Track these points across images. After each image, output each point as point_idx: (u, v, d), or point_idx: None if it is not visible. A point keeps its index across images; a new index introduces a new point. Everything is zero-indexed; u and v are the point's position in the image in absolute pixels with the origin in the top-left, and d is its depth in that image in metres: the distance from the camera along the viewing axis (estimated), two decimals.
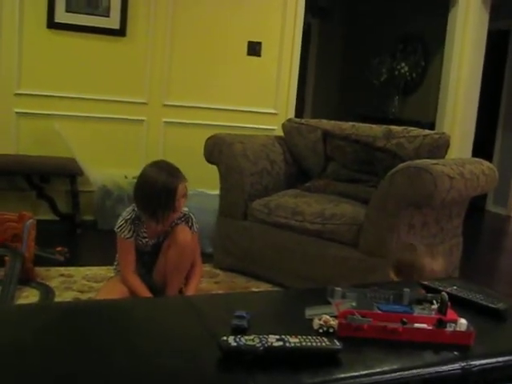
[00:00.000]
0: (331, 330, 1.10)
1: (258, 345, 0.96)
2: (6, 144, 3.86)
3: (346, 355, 1.00)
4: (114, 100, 4.08)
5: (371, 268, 2.58)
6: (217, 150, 3.15)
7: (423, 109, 6.15)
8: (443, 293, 1.18)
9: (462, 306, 1.25)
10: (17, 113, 3.87)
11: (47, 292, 2.56)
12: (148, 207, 2.24)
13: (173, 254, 2.30)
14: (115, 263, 2.45)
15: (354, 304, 1.17)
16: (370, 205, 2.63)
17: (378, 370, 1.00)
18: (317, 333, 1.09)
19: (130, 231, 2.29)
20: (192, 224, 2.38)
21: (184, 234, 2.31)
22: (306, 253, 2.83)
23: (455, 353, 1.07)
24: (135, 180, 2.38)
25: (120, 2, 3.98)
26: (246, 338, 0.97)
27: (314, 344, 0.99)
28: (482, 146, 5.65)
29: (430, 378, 1.01)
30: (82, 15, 3.91)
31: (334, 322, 1.11)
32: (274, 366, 0.96)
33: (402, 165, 2.56)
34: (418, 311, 1.16)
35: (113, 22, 4.00)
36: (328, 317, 1.12)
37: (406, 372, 1.01)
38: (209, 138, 3.21)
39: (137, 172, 3.47)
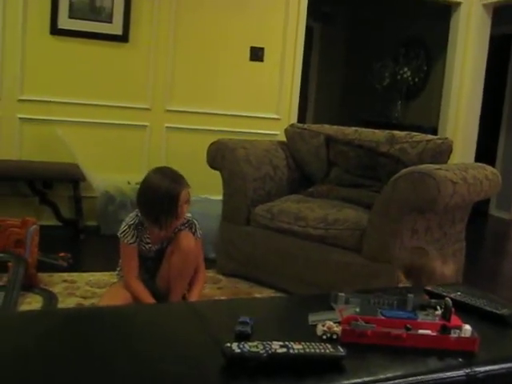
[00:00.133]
0: (335, 337, 1.10)
1: (261, 351, 0.96)
2: (10, 149, 3.87)
3: (349, 362, 1.00)
4: (116, 106, 4.09)
5: (374, 273, 2.58)
6: (220, 155, 3.15)
7: (426, 113, 6.16)
8: (447, 298, 1.18)
9: (465, 311, 1.25)
10: (20, 118, 3.88)
11: (50, 298, 2.56)
12: (151, 213, 2.24)
13: (176, 260, 2.29)
14: (118, 269, 2.45)
15: (357, 310, 1.17)
16: (373, 210, 2.63)
17: (382, 376, 1.00)
18: (320, 339, 1.09)
19: (133, 237, 2.29)
20: (195, 230, 2.38)
21: (187, 240, 2.31)
22: (309, 258, 2.83)
23: (460, 359, 1.07)
24: (138, 185, 2.38)
25: (123, 8, 3.99)
26: (250, 344, 0.97)
27: (318, 351, 0.98)
28: (485, 151, 5.64)
29: None
30: (85, 21, 3.93)
31: (337, 329, 1.11)
32: (278, 373, 0.96)
33: (405, 170, 2.55)
34: (421, 317, 1.16)
35: (116, 27, 4.01)
36: (331, 323, 1.12)
37: (411, 378, 1.00)
38: (212, 144, 3.21)
39: (139, 177, 3.47)
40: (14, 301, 2.38)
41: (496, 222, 5.93)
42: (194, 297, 2.36)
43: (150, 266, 2.38)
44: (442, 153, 2.95)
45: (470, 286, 1.61)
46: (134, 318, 1.24)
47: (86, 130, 4.02)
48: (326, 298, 1.27)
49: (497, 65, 5.83)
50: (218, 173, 3.21)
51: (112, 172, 4.01)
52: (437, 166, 2.55)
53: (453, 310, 1.14)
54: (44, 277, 2.80)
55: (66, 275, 2.89)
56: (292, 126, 3.66)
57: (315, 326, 1.14)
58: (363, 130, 3.35)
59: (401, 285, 1.96)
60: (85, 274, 2.93)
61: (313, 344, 0.99)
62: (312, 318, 1.19)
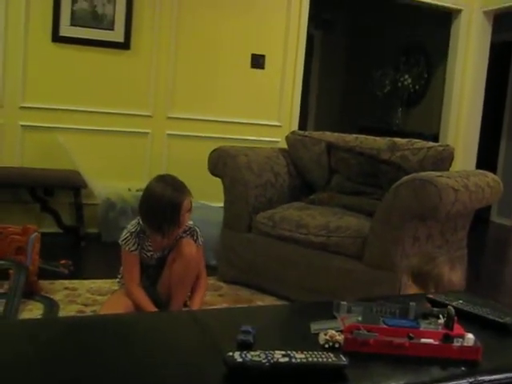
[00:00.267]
0: (337, 345, 1.09)
1: (263, 361, 0.95)
2: (11, 157, 3.87)
3: (352, 371, 0.99)
4: (118, 113, 4.10)
5: (376, 280, 2.57)
6: (221, 162, 3.16)
7: (426, 120, 6.16)
8: (449, 307, 1.17)
9: (468, 320, 1.24)
10: (22, 126, 3.89)
11: (51, 305, 2.55)
12: (153, 222, 2.24)
13: (178, 267, 2.29)
14: (119, 276, 2.45)
15: (359, 318, 1.16)
16: (375, 217, 2.62)
17: None
18: (323, 348, 1.08)
19: (134, 244, 2.29)
20: (197, 237, 2.38)
21: (189, 248, 2.31)
22: (311, 265, 2.82)
23: (463, 368, 1.06)
24: (139, 193, 2.39)
25: (124, 16, 4.01)
26: (252, 353, 0.96)
27: (320, 360, 0.98)
28: (486, 157, 5.64)
29: None
30: (86, 29, 3.95)
31: (339, 337, 1.10)
32: (280, 382, 0.95)
33: (406, 177, 2.55)
34: (424, 326, 1.15)
35: (117, 35, 4.03)
36: (334, 332, 1.11)
37: None
38: (213, 151, 3.21)
39: (140, 184, 3.49)
40: (15, 308, 2.38)
41: (497, 229, 5.92)
42: (195, 304, 2.36)
43: (152, 273, 2.38)
44: (444, 160, 2.95)
45: (473, 294, 1.60)
46: (135, 326, 1.23)
47: (87, 137, 4.03)
48: (328, 307, 1.26)
49: (497, 72, 5.84)
50: (218, 180, 3.21)
51: (113, 179, 4.02)
52: (438, 174, 2.55)
53: (455, 318, 1.14)
54: (45, 284, 2.80)
55: (67, 282, 2.89)
56: (293, 133, 3.66)
57: (317, 334, 1.13)
58: (364, 137, 3.36)
59: (407, 291, 1.95)
60: (86, 282, 2.93)
61: (315, 353, 0.99)
62: (314, 327, 1.18)
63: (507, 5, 4.96)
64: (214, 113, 4.37)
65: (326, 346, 1.09)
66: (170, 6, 4.14)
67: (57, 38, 3.89)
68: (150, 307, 2.26)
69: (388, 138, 3.25)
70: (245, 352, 0.97)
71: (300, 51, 4.56)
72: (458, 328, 1.13)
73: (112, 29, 4.01)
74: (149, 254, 2.35)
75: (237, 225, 3.13)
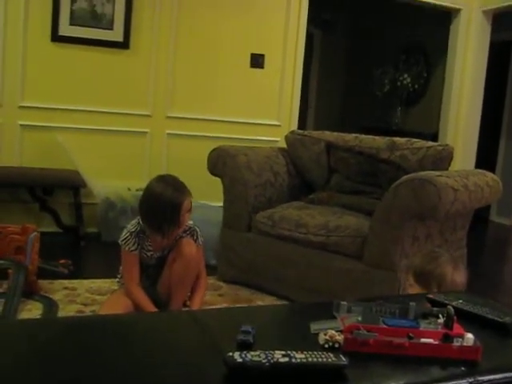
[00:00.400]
0: (337, 345, 1.09)
1: (263, 361, 0.95)
2: (10, 156, 3.87)
3: (352, 371, 0.99)
4: (117, 112, 4.10)
5: (375, 280, 2.57)
6: (221, 162, 3.16)
7: (426, 120, 6.17)
8: (449, 307, 1.17)
9: (468, 319, 1.24)
10: (21, 125, 3.89)
11: (51, 305, 2.55)
12: (153, 222, 2.24)
13: (178, 267, 2.29)
14: (119, 276, 2.45)
15: (359, 318, 1.16)
16: (374, 217, 2.62)
17: None
18: (322, 348, 1.09)
19: (134, 244, 2.29)
20: (197, 237, 2.38)
21: (189, 247, 2.31)
22: (310, 265, 2.83)
23: (462, 368, 1.06)
24: (138, 192, 2.39)
25: (123, 15, 4.01)
26: (252, 353, 0.96)
27: (320, 360, 0.98)
28: (485, 157, 5.65)
29: None
30: (85, 28, 3.94)
31: (339, 337, 1.10)
32: (280, 382, 0.95)
33: (406, 177, 2.55)
34: (424, 325, 1.15)
35: (116, 34, 4.02)
36: (333, 332, 1.11)
37: None
38: (213, 150, 3.21)
39: (140, 184, 3.49)
40: (15, 308, 2.38)
41: (497, 228, 5.93)
42: (195, 304, 2.36)
43: (151, 273, 2.38)
44: (443, 159, 2.95)
45: (472, 294, 1.60)
46: (135, 326, 1.23)
47: (86, 136, 4.03)
48: (328, 306, 1.26)
49: (497, 71, 5.84)
50: (218, 179, 3.21)
51: (112, 178, 4.02)
52: (438, 173, 2.55)
53: (455, 318, 1.14)
54: (44, 284, 2.79)
55: (66, 282, 2.88)
56: (292, 132, 3.66)
57: (317, 334, 1.13)
58: (364, 136, 3.36)
59: (409, 291, 1.95)
60: (85, 281, 2.93)
61: (315, 353, 0.99)
62: (314, 327, 1.18)
63: (506, 4, 4.96)
64: (214, 112, 4.37)
65: (326, 345, 1.09)
66: (169, 5, 4.14)
67: (56, 37, 3.89)
68: (150, 307, 2.26)
69: (387, 138, 3.25)
70: (245, 352, 0.97)
71: (299, 51, 4.56)
72: (457, 328, 1.14)
73: (111, 28, 4.01)
74: (149, 253, 2.35)
75: (236, 224, 3.13)
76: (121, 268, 2.39)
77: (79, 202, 3.78)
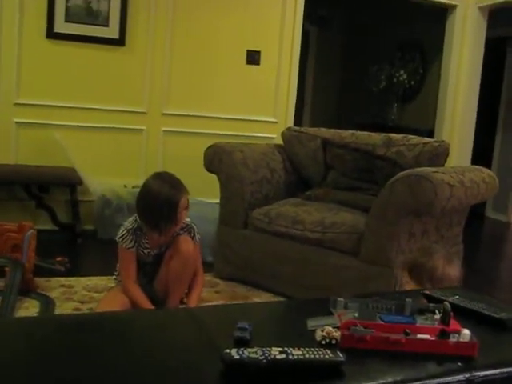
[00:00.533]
0: (334, 342, 1.09)
1: (260, 357, 0.95)
2: (6, 154, 3.86)
3: (349, 367, 1.00)
4: (113, 109, 4.09)
5: (372, 276, 2.58)
6: (217, 158, 3.15)
7: (422, 116, 6.17)
8: (445, 303, 1.18)
9: (464, 315, 1.25)
10: (16, 123, 3.88)
11: (47, 303, 2.55)
12: (150, 219, 2.24)
13: (175, 265, 2.29)
14: (115, 273, 2.44)
15: (356, 315, 1.16)
16: (370, 213, 2.63)
17: (382, 381, 1.00)
18: (319, 344, 1.09)
19: (131, 241, 2.29)
20: (194, 234, 2.38)
21: (187, 245, 2.31)
22: (307, 262, 2.83)
23: (459, 364, 1.06)
24: (135, 189, 2.39)
25: (119, 12, 4.00)
26: (249, 350, 0.96)
27: (317, 356, 0.98)
28: (481, 153, 5.66)
29: None
30: (81, 25, 3.93)
31: (336, 334, 1.10)
32: (277, 379, 0.96)
33: (402, 173, 2.56)
34: (420, 321, 1.16)
35: (112, 31, 4.01)
36: (330, 328, 1.12)
37: None
38: (209, 147, 3.21)
39: (136, 181, 3.48)
40: (11, 306, 2.38)
41: (492, 225, 5.94)
42: (193, 301, 2.36)
43: (149, 270, 2.38)
44: (439, 156, 2.96)
45: (468, 290, 1.61)
46: (132, 323, 1.23)
47: (82, 133, 4.02)
48: (325, 303, 1.26)
49: (492, 67, 5.84)
50: (214, 176, 3.21)
51: (109, 176, 4.01)
52: (434, 169, 2.55)
53: (451, 314, 1.14)
54: (41, 281, 2.79)
55: (63, 280, 2.88)
56: (289, 129, 3.66)
57: (314, 331, 1.14)
58: (360, 133, 3.36)
59: (405, 287, 1.96)
60: (82, 279, 2.92)
61: (312, 349, 0.99)
62: (311, 323, 1.19)
63: (502, 0, 4.96)
64: (210, 109, 4.37)
65: (323, 342, 1.10)
66: (165, 1, 4.13)
67: (51, 34, 3.87)
68: (147, 304, 2.26)
69: (383, 134, 3.25)
70: (242, 349, 0.97)
71: (295, 47, 4.56)
72: (454, 324, 1.14)
73: (107, 25, 4.00)
74: (146, 251, 2.35)
75: (233, 221, 3.13)
76: (118, 265, 2.39)
77: (75, 200, 3.77)
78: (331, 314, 1.23)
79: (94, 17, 3.96)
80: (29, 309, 2.48)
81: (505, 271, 4.20)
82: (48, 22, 3.85)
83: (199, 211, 3.30)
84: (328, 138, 3.35)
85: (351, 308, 1.21)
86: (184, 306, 2.38)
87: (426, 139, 3.09)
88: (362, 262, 2.64)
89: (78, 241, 3.70)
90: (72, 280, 2.89)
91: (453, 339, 1.10)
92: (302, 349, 0.99)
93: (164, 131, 4.26)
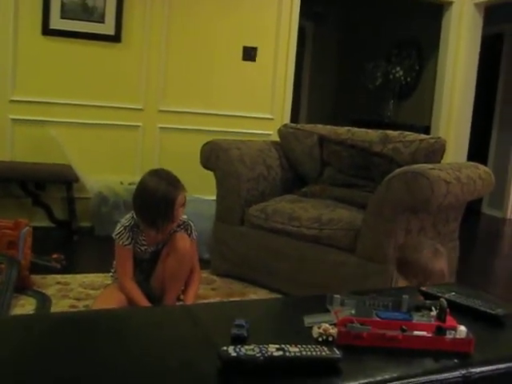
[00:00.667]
0: (330, 339, 1.10)
1: (257, 354, 0.95)
2: (2, 151, 3.86)
3: (345, 364, 1.00)
4: (109, 106, 4.08)
5: (369, 273, 2.58)
6: (213, 155, 3.15)
7: (418, 113, 6.18)
8: (442, 299, 1.18)
9: (460, 312, 1.25)
10: (12, 119, 3.87)
11: (44, 300, 2.55)
12: (147, 216, 2.24)
13: (172, 262, 2.29)
14: (112, 270, 2.44)
15: (352, 311, 1.16)
16: (367, 210, 2.63)
17: (379, 378, 1.00)
18: (316, 341, 1.09)
19: (128, 238, 2.28)
20: (191, 231, 2.38)
21: (183, 242, 2.31)
22: (303, 258, 2.83)
23: (455, 360, 1.07)
24: (131, 186, 2.39)
25: (115, 8, 3.98)
26: (246, 347, 0.96)
27: (314, 353, 0.98)
28: (477, 149, 5.67)
29: None
30: (77, 21, 3.92)
31: (333, 331, 1.10)
32: (275, 376, 0.96)
33: (398, 170, 2.56)
34: (417, 318, 1.16)
35: (108, 27, 4.00)
36: (327, 325, 1.12)
37: (407, 380, 1.00)
38: (205, 144, 3.21)
39: (133, 178, 3.48)
40: (7, 303, 2.37)
41: (488, 221, 5.96)
42: (189, 298, 2.36)
43: (145, 267, 2.38)
44: (435, 152, 2.96)
45: (465, 286, 1.61)
46: (128, 321, 1.23)
47: (78, 130, 4.01)
48: (322, 300, 1.26)
49: (489, 64, 5.85)
50: (211, 173, 3.21)
51: (105, 173, 4.00)
52: (430, 166, 2.55)
53: (448, 310, 1.15)
54: (37, 279, 2.79)
55: (59, 277, 2.88)
56: (285, 126, 3.66)
57: (311, 328, 1.14)
58: (356, 129, 3.36)
59: (399, 283, 1.96)
60: (78, 276, 2.92)
61: (309, 346, 0.99)
62: (308, 320, 1.19)
63: None
64: (206, 106, 4.36)
65: (320, 339, 1.10)
66: None
67: (47, 30, 3.86)
68: (143, 302, 2.26)
69: (380, 131, 3.26)
70: (239, 346, 0.97)
71: (292, 43, 4.55)
72: (450, 320, 1.14)
73: (103, 21, 3.98)
74: (142, 248, 2.34)
75: (229, 218, 3.13)
76: (114, 262, 2.39)
77: (72, 197, 3.76)
78: (328, 310, 1.23)
79: (89, 13, 3.95)
80: (25, 306, 2.48)
81: (500, 267, 4.21)
82: (43, 19, 3.84)
83: (196, 208, 3.30)
84: (324, 135, 3.35)
85: (348, 305, 1.21)
86: (181, 302, 2.38)
87: (423, 136, 3.09)
88: (359, 259, 2.64)
89: (74, 238, 3.70)
90: (68, 277, 2.89)
91: (449, 336, 1.10)
92: (299, 346, 0.99)
93: (160, 128, 4.25)
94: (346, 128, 3.41)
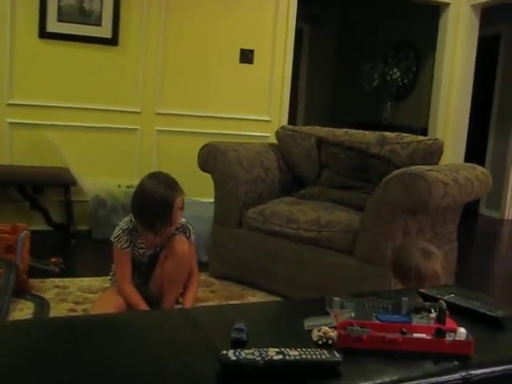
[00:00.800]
0: (330, 342, 1.10)
1: (257, 358, 0.95)
2: None
3: (346, 367, 1.00)
4: (106, 109, 4.08)
5: (367, 275, 2.58)
6: (211, 158, 3.15)
7: (415, 114, 6.18)
8: (441, 301, 1.18)
9: (459, 314, 1.25)
10: (9, 123, 3.86)
11: (42, 304, 2.54)
12: (145, 219, 2.23)
13: (170, 265, 2.29)
14: (111, 273, 2.44)
15: (352, 314, 1.16)
16: (365, 212, 2.63)
17: (379, 381, 1.00)
18: (316, 344, 1.09)
19: (126, 241, 2.28)
20: (189, 234, 2.38)
21: (182, 245, 2.31)
22: (302, 260, 2.83)
23: (455, 362, 1.07)
24: (129, 189, 2.38)
25: (112, 11, 3.98)
26: (246, 351, 0.96)
27: (314, 356, 0.98)
28: (475, 151, 5.68)
29: None
30: (73, 24, 3.91)
31: (333, 334, 1.10)
32: (275, 380, 0.96)
33: (396, 171, 2.56)
34: (416, 320, 1.16)
35: (105, 31, 4.00)
36: (327, 328, 1.12)
37: (407, 383, 1.01)
38: (203, 147, 3.20)
39: (130, 181, 3.47)
40: (6, 307, 2.37)
41: (486, 222, 5.97)
42: (188, 301, 2.36)
43: (144, 270, 2.38)
44: (433, 154, 2.96)
45: (463, 288, 1.62)
46: (127, 325, 1.23)
47: (75, 133, 4.01)
48: (321, 303, 1.26)
49: (486, 65, 5.87)
50: (209, 175, 3.21)
51: (103, 176, 4.00)
52: (428, 167, 2.56)
53: (447, 312, 1.15)
54: (35, 283, 2.78)
55: (57, 281, 2.87)
56: (283, 128, 3.66)
57: (311, 331, 1.14)
58: (354, 131, 3.36)
59: (398, 285, 1.96)
60: (77, 279, 2.92)
61: (309, 350, 0.99)
62: (307, 324, 1.19)
63: None
64: (203, 108, 4.36)
65: (320, 342, 1.10)
66: (158, 0, 4.12)
67: (44, 34, 3.86)
68: (142, 305, 2.25)
69: (377, 132, 3.26)
70: (239, 350, 0.97)
71: (289, 45, 4.56)
72: (450, 322, 1.14)
73: (99, 24, 3.98)
74: (141, 251, 2.34)
75: (227, 220, 3.12)
76: (113, 266, 2.38)
77: (69, 200, 3.76)
78: (327, 313, 1.23)
79: (86, 16, 3.94)
80: (23, 310, 2.47)
81: (498, 268, 4.22)
82: (40, 22, 3.84)
83: (193, 211, 3.29)
84: (322, 137, 3.35)
85: (347, 307, 1.21)
86: (179, 306, 2.38)
87: (420, 137, 3.09)
88: (358, 261, 2.64)
89: (72, 241, 3.69)
90: (66, 281, 2.89)
91: (449, 338, 1.10)
92: (299, 349, 0.99)
93: (158, 131, 4.25)
94: (344, 130, 3.41)
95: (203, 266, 3.04)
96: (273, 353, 0.97)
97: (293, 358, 0.97)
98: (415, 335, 1.11)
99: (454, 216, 2.99)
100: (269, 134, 4.39)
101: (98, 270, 2.92)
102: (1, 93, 3.82)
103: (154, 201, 2.19)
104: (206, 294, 2.88)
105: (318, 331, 1.11)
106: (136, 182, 2.35)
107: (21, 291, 2.60)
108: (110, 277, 2.45)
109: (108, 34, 4.01)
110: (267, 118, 4.56)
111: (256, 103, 4.52)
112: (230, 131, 4.37)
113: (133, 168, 4.12)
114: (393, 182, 2.50)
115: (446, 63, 5.20)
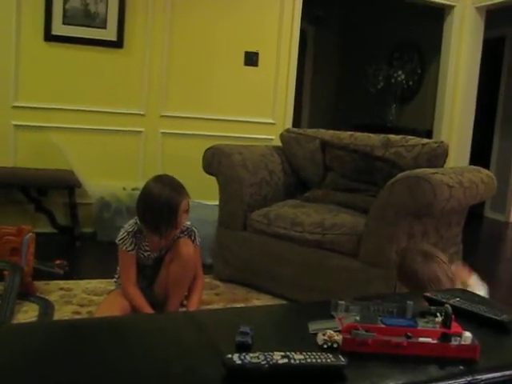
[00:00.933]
0: (335, 345, 1.09)
1: (262, 362, 0.95)
2: (4, 157, 3.85)
3: (351, 371, 0.99)
4: (111, 112, 4.08)
5: (372, 278, 2.58)
6: (216, 160, 3.15)
7: (420, 116, 6.17)
8: (447, 305, 1.18)
9: (465, 318, 1.24)
10: (15, 125, 3.87)
11: (47, 306, 2.54)
12: (150, 222, 2.23)
13: (175, 268, 2.29)
14: (116, 276, 2.44)
15: (357, 318, 1.16)
16: (370, 214, 2.63)
17: None
18: (321, 348, 1.09)
19: (131, 244, 2.28)
20: (195, 237, 2.38)
21: (187, 248, 2.31)
22: (306, 263, 2.83)
23: (461, 367, 1.06)
24: (133, 191, 2.39)
25: (117, 14, 3.99)
26: (251, 355, 0.96)
27: (319, 360, 0.98)
28: (479, 153, 5.66)
29: None
30: (78, 27, 3.93)
31: (338, 337, 1.10)
32: None
33: (401, 174, 2.55)
34: (422, 324, 1.15)
35: (110, 33, 4.01)
36: (332, 332, 1.11)
37: None
38: (208, 149, 3.21)
39: (135, 183, 3.48)
40: (10, 310, 2.37)
41: (491, 224, 5.95)
42: (193, 304, 2.36)
43: (148, 273, 2.38)
44: (438, 156, 2.95)
45: (469, 291, 1.61)
46: (132, 328, 1.23)
47: (80, 136, 4.02)
48: (326, 306, 1.26)
49: (490, 68, 5.85)
50: (213, 178, 3.21)
51: (107, 178, 4.00)
52: (433, 170, 2.55)
53: (453, 316, 1.14)
54: (40, 285, 2.78)
55: (62, 283, 2.87)
56: (287, 130, 3.66)
57: (315, 334, 1.14)
58: (358, 134, 3.36)
59: (401, 290, 1.96)
60: (81, 282, 2.92)
61: (314, 353, 0.99)
62: (312, 327, 1.18)
63: (499, 0, 4.97)
64: (208, 111, 4.36)
65: (325, 346, 1.09)
66: (162, 3, 4.13)
67: (49, 36, 3.87)
68: (147, 308, 2.25)
69: (382, 135, 3.25)
70: (244, 354, 0.97)
71: (293, 48, 4.56)
72: (455, 326, 1.14)
73: (104, 27, 3.99)
74: (146, 254, 2.34)
75: (232, 223, 3.12)
76: (118, 268, 2.38)
77: (74, 202, 3.76)
78: (332, 317, 1.22)
79: (91, 19, 3.95)
80: (28, 312, 2.48)
81: (503, 271, 4.20)
82: (46, 25, 3.85)
83: (198, 213, 3.29)
84: (327, 140, 3.34)
85: (352, 311, 1.21)
86: (184, 309, 2.38)
87: (425, 140, 3.09)
88: (362, 264, 2.63)
89: (76, 244, 3.70)
90: (71, 283, 2.89)
91: (454, 342, 1.10)
92: (304, 353, 0.99)
93: (162, 133, 4.25)
94: (349, 132, 3.40)
95: (208, 269, 3.04)
96: (278, 357, 0.97)
97: (298, 361, 0.97)
98: (420, 339, 1.10)
99: (459, 219, 2.98)
100: (273, 137, 4.39)
101: (102, 273, 2.93)
102: (6, 95, 3.83)
103: (160, 204, 2.20)
104: (211, 296, 2.88)
105: (323, 335, 1.11)
106: (140, 184, 2.36)
107: (25, 293, 2.60)
108: (115, 279, 2.46)
109: (113, 37, 4.02)
110: (272, 121, 4.56)
111: (260, 106, 4.52)
112: (235, 134, 4.37)
113: (137, 170, 4.13)
114: (397, 185, 2.50)
115: (451, 66, 5.20)
